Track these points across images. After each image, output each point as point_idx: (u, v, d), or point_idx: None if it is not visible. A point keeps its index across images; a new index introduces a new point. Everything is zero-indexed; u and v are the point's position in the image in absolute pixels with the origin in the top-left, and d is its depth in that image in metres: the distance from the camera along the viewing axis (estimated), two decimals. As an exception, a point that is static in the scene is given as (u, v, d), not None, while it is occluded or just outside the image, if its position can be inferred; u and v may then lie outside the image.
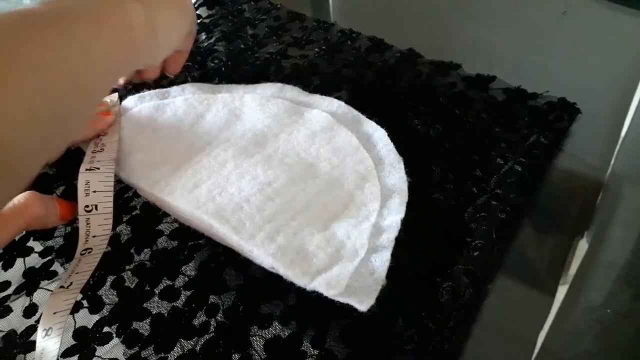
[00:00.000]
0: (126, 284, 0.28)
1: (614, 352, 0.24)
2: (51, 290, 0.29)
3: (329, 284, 0.24)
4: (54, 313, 0.25)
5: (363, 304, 0.24)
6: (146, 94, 0.37)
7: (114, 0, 0.27)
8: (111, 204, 0.29)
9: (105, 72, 0.26)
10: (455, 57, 0.40)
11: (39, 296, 0.28)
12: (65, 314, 0.25)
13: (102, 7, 0.26)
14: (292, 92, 0.36)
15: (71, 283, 0.26)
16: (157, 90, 0.37)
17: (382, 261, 0.25)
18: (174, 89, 0.37)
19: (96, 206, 0.29)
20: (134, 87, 0.39)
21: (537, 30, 0.44)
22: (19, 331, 0.27)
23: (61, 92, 0.22)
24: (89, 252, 0.28)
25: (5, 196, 0.22)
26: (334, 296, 0.24)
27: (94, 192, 0.29)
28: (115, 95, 0.36)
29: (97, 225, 0.28)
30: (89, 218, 0.28)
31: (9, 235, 0.27)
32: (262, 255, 0.25)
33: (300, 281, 0.25)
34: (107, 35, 0.25)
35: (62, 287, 0.26)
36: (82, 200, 0.29)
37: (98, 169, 0.30)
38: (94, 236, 0.28)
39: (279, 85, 0.36)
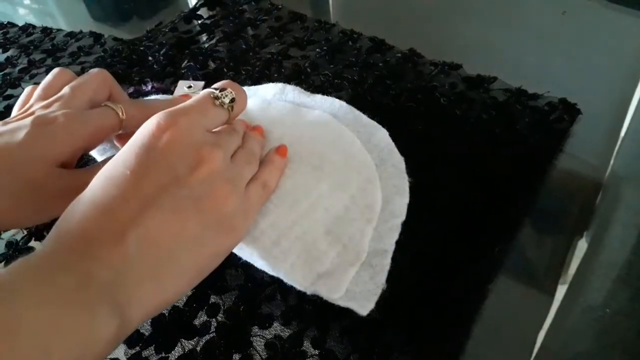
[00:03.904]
0: (127, 283, 0.28)
1: (614, 351, 0.25)
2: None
3: (330, 288, 0.24)
4: None
5: (363, 308, 0.24)
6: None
7: (76, 299, 0.17)
8: None
9: None
10: (456, 57, 0.40)
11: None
12: None
13: (60, 310, 0.17)
14: (294, 92, 0.36)
15: None
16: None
17: (382, 265, 0.25)
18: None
19: None
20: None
21: (537, 30, 0.44)
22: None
23: None
24: None
25: None
26: (334, 300, 0.24)
27: None
28: (201, 84, 0.38)
29: None
30: None
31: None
32: (264, 258, 0.25)
33: (301, 285, 0.25)
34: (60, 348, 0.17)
35: None
36: None
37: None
38: None
39: (280, 85, 0.36)
